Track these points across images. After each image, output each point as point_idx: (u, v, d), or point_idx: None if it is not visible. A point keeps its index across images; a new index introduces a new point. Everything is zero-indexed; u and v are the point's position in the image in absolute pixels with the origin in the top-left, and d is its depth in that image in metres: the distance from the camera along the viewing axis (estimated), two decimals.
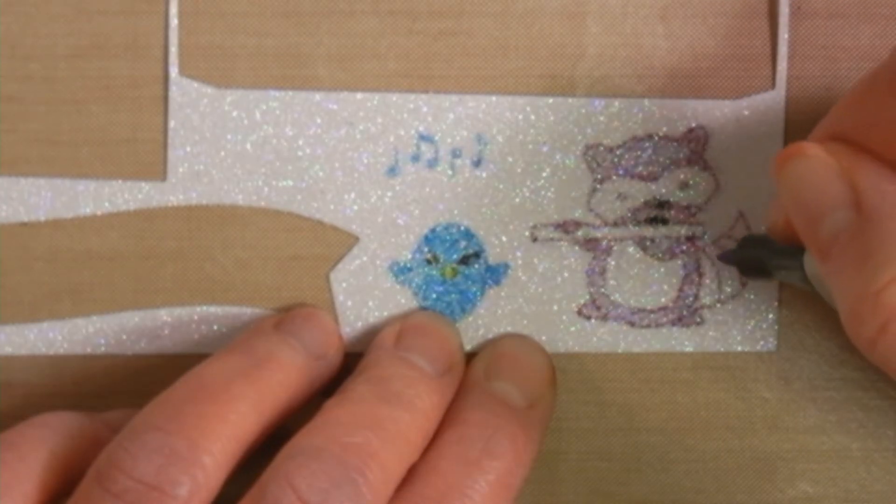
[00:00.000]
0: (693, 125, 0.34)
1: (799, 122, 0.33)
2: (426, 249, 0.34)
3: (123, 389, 0.34)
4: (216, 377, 0.30)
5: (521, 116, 0.34)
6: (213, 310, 0.34)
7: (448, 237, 0.34)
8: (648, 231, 0.34)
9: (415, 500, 0.29)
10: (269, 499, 0.27)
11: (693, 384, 0.34)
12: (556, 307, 0.34)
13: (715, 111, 0.33)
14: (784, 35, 0.33)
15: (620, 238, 0.34)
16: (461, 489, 0.29)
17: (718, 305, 0.34)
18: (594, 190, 0.34)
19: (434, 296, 0.34)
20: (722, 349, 0.34)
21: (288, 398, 0.31)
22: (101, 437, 0.30)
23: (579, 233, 0.34)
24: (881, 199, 0.26)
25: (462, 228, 0.34)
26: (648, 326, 0.34)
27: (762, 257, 0.32)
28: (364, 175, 0.34)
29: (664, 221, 0.34)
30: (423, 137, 0.34)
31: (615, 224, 0.34)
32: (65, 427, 0.30)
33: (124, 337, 0.34)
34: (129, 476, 0.27)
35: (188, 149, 0.33)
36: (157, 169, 0.34)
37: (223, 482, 0.29)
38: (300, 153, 0.34)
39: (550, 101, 0.34)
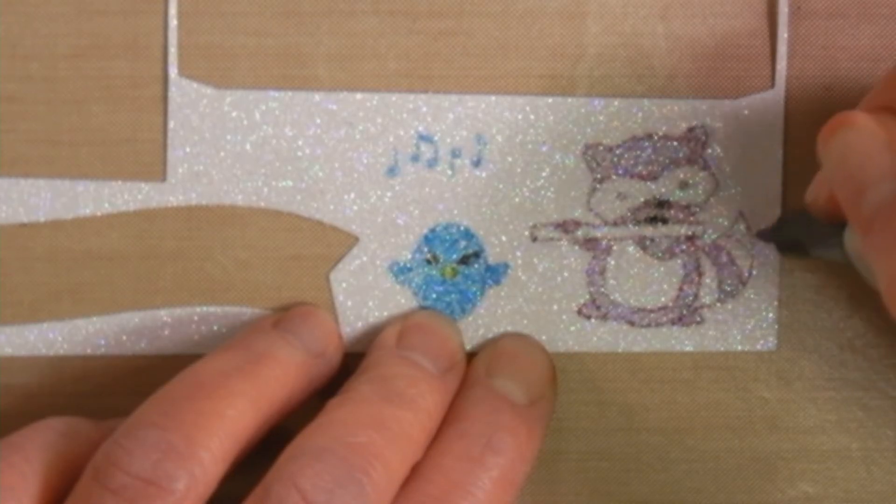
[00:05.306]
0: (693, 125, 0.34)
1: (799, 122, 0.33)
2: (426, 249, 0.34)
3: (123, 390, 0.34)
4: (213, 374, 0.30)
5: (520, 116, 0.34)
6: (213, 310, 0.34)
7: (448, 237, 0.34)
8: (648, 231, 0.34)
9: (419, 498, 0.29)
10: (273, 499, 0.27)
11: (693, 384, 0.34)
12: (556, 307, 0.34)
13: (715, 111, 0.34)
14: (783, 35, 0.33)
15: (620, 238, 0.34)
16: (465, 486, 0.29)
17: (718, 305, 0.34)
18: (594, 190, 0.34)
19: (434, 296, 0.34)
20: (722, 349, 0.34)
21: (286, 395, 0.31)
22: None
23: (579, 232, 0.34)
24: None
25: (462, 228, 0.34)
26: (648, 326, 0.34)
27: (800, 235, 0.32)
28: (364, 175, 0.34)
29: (664, 221, 0.34)
30: (422, 137, 0.34)
31: (615, 224, 0.34)
32: (70, 431, 0.30)
33: (124, 337, 0.34)
34: (125, 472, 0.27)
35: (188, 149, 0.33)
36: (156, 169, 0.34)
37: (221, 478, 0.29)
38: (300, 153, 0.34)
39: (550, 101, 0.34)
